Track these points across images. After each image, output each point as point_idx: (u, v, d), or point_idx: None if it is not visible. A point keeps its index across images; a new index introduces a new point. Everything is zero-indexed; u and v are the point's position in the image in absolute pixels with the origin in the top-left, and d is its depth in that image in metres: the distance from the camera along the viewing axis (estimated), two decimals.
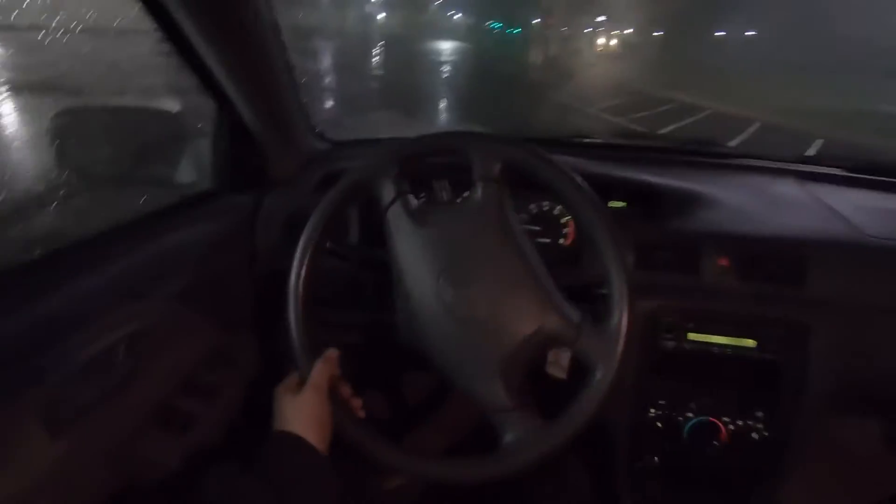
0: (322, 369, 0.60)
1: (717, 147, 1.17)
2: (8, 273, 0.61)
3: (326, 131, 1.03)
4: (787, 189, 0.98)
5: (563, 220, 0.92)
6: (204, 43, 0.69)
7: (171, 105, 0.89)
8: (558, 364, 0.72)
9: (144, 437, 0.69)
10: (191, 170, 0.90)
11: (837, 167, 1.07)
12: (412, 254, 0.62)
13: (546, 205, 0.92)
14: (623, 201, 0.93)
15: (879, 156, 1.14)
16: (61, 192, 0.83)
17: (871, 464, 1.20)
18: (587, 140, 1.14)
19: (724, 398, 0.83)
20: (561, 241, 0.93)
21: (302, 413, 0.57)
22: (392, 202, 0.63)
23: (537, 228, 0.93)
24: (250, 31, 0.71)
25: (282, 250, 0.88)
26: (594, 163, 0.94)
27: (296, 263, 0.63)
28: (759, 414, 0.82)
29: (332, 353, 0.62)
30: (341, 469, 0.56)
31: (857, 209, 0.92)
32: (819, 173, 1.05)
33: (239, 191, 0.89)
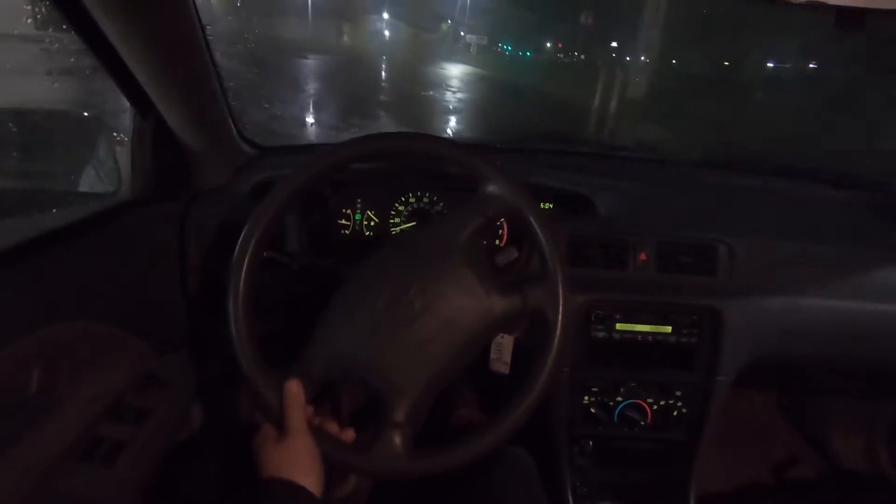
0: (293, 411, 0.57)
1: (639, 150, 1.28)
2: None
3: (255, 137, 0.99)
4: (703, 188, 1.09)
5: (498, 221, 0.96)
6: (122, 43, 0.65)
7: (87, 109, 0.82)
8: (501, 360, 0.76)
9: (66, 471, 0.64)
10: (111, 178, 0.83)
11: (745, 167, 1.21)
12: (371, 263, 0.62)
13: None
14: (550, 203, 0.99)
15: (781, 156, 1.30)
16: None
17: (770, 430, 1.36)
18: (517, 146, 1.20)
19: (648, 381, 0.91)
20: (497, 241, 0.97)
21: (290, 460, 0.54)
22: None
23: None
24: (173, 30, 0.67)
25: (214, 262, 0.85)
26: (524, 167, 0.99)
27: (231, 291, 0.58)
28: (678, 393, 0.90)
29: (293, 386, 0.57)
30: None
31: (762, 204, 1.04)
32: (728, 171, 1.18)
33: (164, 200, 0.84)
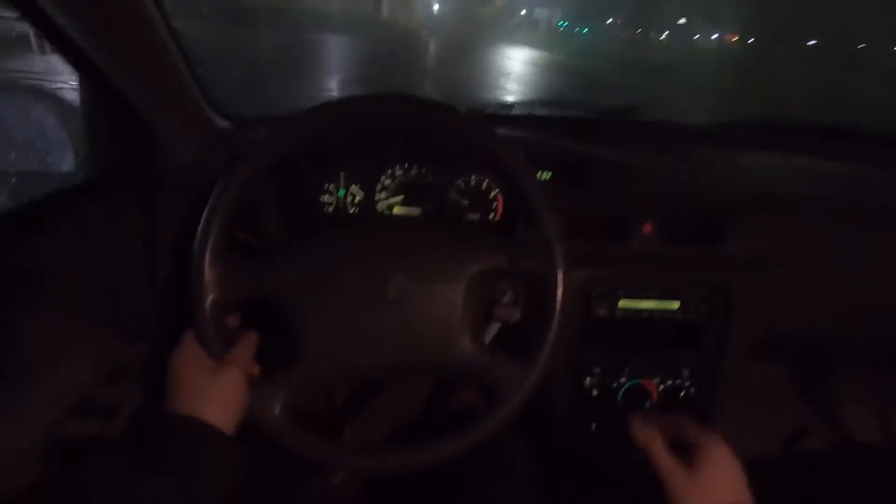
0: (244, 349, 0.55)
1: (638, 115, 1.19)
2: None
3: (228, 107, 0.91)
4: (705, 153, 1.01)
5: (492, 194, 0.89)
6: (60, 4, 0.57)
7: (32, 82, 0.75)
8: (508, 308, 0.73)
9: (30, 473, 0.60)
10: (65, 157, 0.76)
11: (749, 130, 1.13)
12: (318, 273, 0.58)
13: (474, 178, 0.89)
14: (548, 171, 0.92)
15: (786, 119, 1.22)
16: None
17: (778, 406, 1.32)
18: (512, 113, 1.12)
19: (653, 360, 0.85)
20: (490, 215, 0.90)
21: (216, 393, 0.51)
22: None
23: (465, 203, 0.90)
24: None
25: (186, 247, 0.79)
26: (518, 132, 0.92)
27: (205, 219, 0.55)
28: (686, 372, 0.85)
29: (252, 335, 0.58)
30: (289, 466, 0.52)
31: (768, 169, 0.97)
32: (733, 136, 1.10)
33: (126, 179, 0.77)
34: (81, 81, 0.69)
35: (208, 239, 0.54)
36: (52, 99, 0.73)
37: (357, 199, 0.90)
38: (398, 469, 0.57)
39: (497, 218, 0.90)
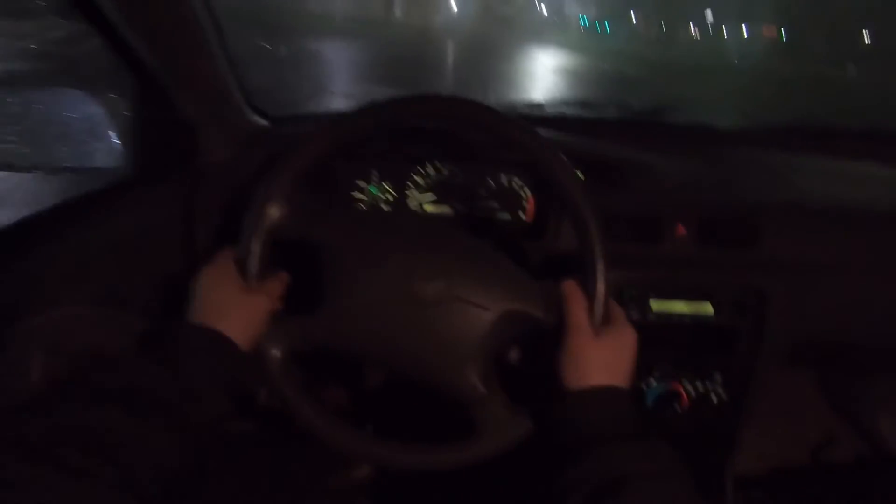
0: (276, 283, 0.58)
1: (668, 116, 1.18)
2: None
3: (265, 106, 0.93)
4: (738, 155, 1.00)
5: (523, 194, 0.89)
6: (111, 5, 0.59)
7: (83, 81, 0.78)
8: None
9: None
10: (109, 154, 0.79)
11: (784, 132, 1.11)
12: (370, 240, 0.58)
13: (504, 178, 0.89)
14: (580, 172, 0.91)
15: (817, 122, 1.20)
16: None
17: (807, 412, 1.29)
18: (542, 113, 1.11)
19: (684, 364, 0.85)
20: (522, 216, 0.90)
21: (240, 313, 0.53)
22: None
23: (496, 204, 0.90)
24: None
25: (224, 243, 0.81)
26: (549, 133, 0.91)
27: (269, 177, 0.57)
28: (717, 377, 0.84)
29: (285, 275, 0.60)
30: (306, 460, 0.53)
31: (800, 172, 0.95)
32: (767, 138, 1.08)
33: (167, 177, 0.80)
34: (133, 81, 0.71)
35: (276, 179, 0.56)
36: (102, 97, 0.75)
37: (389, 196, 0.91)
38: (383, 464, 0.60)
39: (528, 218, 0.90)
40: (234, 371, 0.50)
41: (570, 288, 0.56)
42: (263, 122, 0.90)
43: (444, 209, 0.90)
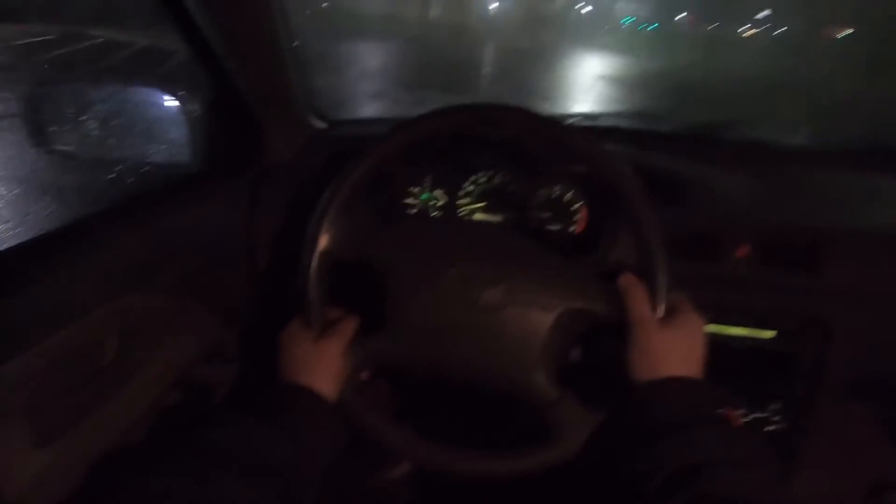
0: (348, 323, 0.59)
1: (728, 132, 1.14)
2: None
3: (325, 109, 0.96)
4: (804, 175, 0.95)
5: (574, 206, 0.88)
6: (201, 14, 0.63)
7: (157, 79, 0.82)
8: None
9: (136, 442, 0.65)
10: (180, 150, 0.83)
11: (851, 150, 1.05)
12: (424, 253, 0.60)
13: (557, 190, 0.88)
14: None
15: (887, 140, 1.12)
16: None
17: (865, 450, 1.21)
18: (597, 125, 1.10)
19: (739, 391, 0.81)
20: (572, 228, 0.89)
21: (321, 364, 0.54)
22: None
23: (547, 215, 0.89)
24: None
25: (284, 238, 0.84)
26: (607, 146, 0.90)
27: (319, 211, 0.58)
28: (774, 406, 0.81)
29: (353, 314, 0.61)
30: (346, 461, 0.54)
31: (871, 196, 0.90)
32: (834, 159, 1.03)
33: (233, 174, 0.83)
34: (207, 83, 0.75)
35: (332, 204, 0.58)
36: (177, 97, 0.79)
37: (440, 203, 0.92)
38: (451, 471, 0.58)
39: (579, 231, 0.89)
40: (329, 426, 0.52)
41: (630, 281, 0.55)
42: (323, 124, 0.93)
43: (495, 217, 0.90)
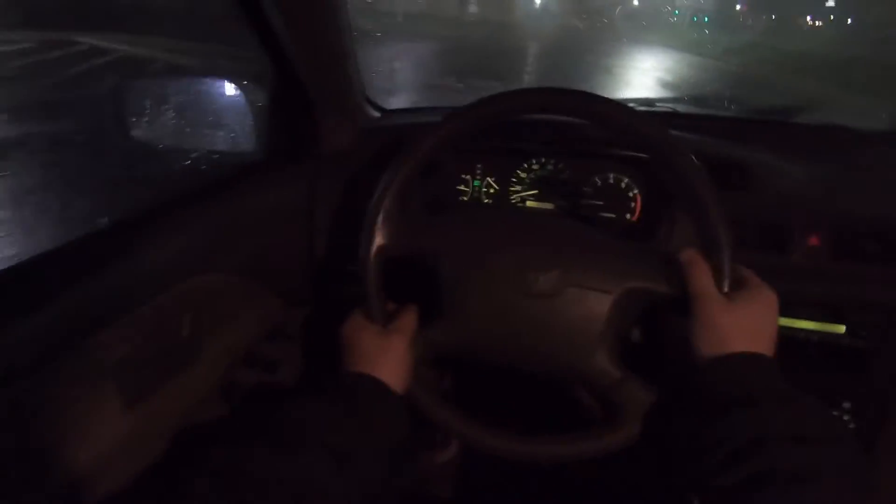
0: (410, 316, 0.59)
1: (796, 116, 1.08)
2: (75, 244, 0.60)
3: (378, 98, 0.98)
4: (878, 160, 0.89)
5: (631, 193, 0.86)
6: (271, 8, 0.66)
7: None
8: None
9: (207, 411, 0.70)
10: (245, 139, 0.87)
11: None
12: (477, 242, 0.60)
13: (612, 177, 0.87)
14: None
15: None
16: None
17: None
18: (657, 108, 1.06)
19: (808, 387, 0.77)
20: (628, 215, 0.87)
21: (388, 356, 0.55)
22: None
23: (600, 202, 0.88)
24: None
25: (341, 224, 0.87)
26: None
27: (376, 200, 0.59)
28: (847, 405, 0.76)
29: (412, 306, 0.61)
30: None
31: None
32: None
33: (293, 162, 0.87)
34: (272, 74, 0.79)
35: (386, 196, 0.59)
36: (244, 88, 0.83)
37: (492, 190, 0.92)
38: (518, 457, 0.58)
39: (635, 218, 0.87)
40: (396, 417, 0.53)
41: (691, 256, 0.53)
42: (377, 113, 0.96)
43: (547, 205, 0.90)
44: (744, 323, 0.49)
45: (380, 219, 0.59)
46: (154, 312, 0.59)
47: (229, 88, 0.82)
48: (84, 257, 0.58)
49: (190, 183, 0.78)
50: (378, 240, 0.59)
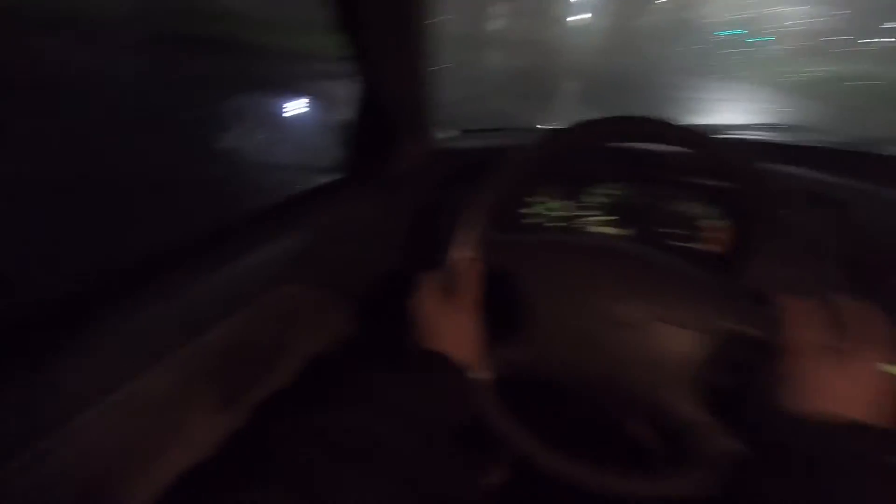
0: (475, 297, 0.59)
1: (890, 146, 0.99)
2: (173, 253, 0.65)
3: (452, 119, 1.01)
4: None
5: (709, 223, 0.83)
6: (361, 28, 0.69)
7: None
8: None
9: (285, 417, 0.72)
10: (327, 156, 0.92)
11: None
12: (561, 265, 0.60)
13: (692, 206, 0.84)
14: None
15: None
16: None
17: None
18: (745, 137, 1.01)
19: None
20: (704, 246, 0.83)
21: (457, 330, 0.56)
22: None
23: (675, 231, 0.84)
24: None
25: (414, 240, 0.89)
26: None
27: (470, 211, 0.61)
28: None
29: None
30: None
31: None
32: None
33: (371, 178, 0.90)
34: (359, 93, 0.82)
35: (483, 209, 0.61)
36: (326, 109, 0.87)
37: (554, 213, 0.91)
38: (586, 484, 0.56)
39: (715, 249, 0.83)
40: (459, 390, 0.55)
41: (790, 302, 0.49)
42: (453, 132, 0.98)
43: (622, 232, 0.88)
44: (839, 382, 0.45)
45: (475, 231, 0.61)
46: (246, 318, 0.62)
47: (315, 107, 0.87)
48: (196, 260, 0.63)
49: (280, 194, 0.82)
50: (468, 252, 0.61)
